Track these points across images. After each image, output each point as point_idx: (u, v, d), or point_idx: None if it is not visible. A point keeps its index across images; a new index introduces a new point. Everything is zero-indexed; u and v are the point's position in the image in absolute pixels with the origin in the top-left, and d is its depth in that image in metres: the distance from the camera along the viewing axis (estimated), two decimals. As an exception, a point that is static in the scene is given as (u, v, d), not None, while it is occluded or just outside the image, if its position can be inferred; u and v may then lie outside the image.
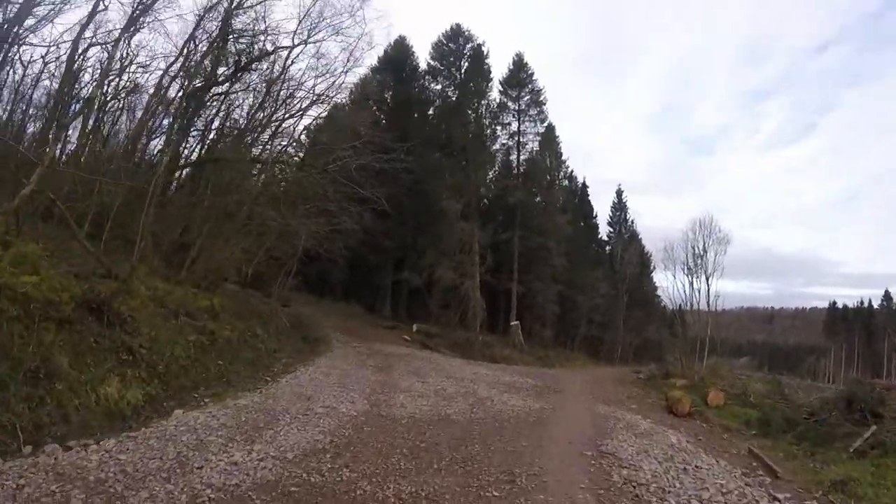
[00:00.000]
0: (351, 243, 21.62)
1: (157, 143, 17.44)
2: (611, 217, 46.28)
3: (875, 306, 71.66)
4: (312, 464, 5.58)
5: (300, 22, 16.43)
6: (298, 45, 16.42)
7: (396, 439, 6.89)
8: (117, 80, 16.14)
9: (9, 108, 15.40)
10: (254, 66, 15.73)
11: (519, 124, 33.84)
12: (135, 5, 14.86)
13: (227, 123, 18.73)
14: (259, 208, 15.71)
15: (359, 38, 17.19)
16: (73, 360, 6.73)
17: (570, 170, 40.03)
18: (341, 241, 19.78)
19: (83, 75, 15.58)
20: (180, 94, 16.12)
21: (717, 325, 29.41)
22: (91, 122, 15.82)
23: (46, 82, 15.47)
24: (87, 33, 14.66)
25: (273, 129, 17.53)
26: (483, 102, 32.45)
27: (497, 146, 33.83)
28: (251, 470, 5.19)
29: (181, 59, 15.86)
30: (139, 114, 16.77)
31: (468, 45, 33.33)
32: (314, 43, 16.65)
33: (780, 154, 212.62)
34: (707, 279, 25.74)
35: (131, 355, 7.69)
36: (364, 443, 6.59)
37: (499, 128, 33.63)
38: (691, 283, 25.91)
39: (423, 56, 34.42)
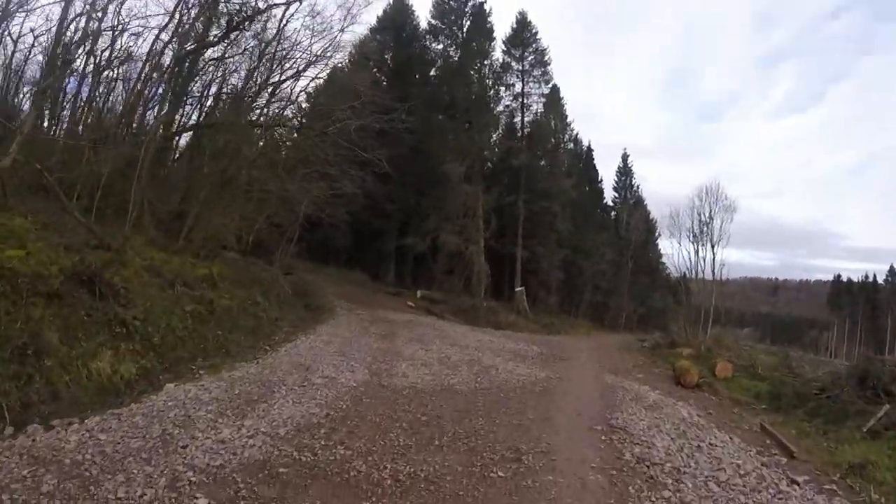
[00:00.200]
0: (353, 208, 21.39)
1: (153, 113, 17.00)
2: (616, 182, 45.67)
3: (880, 281, 70.88)
4: (305, 441, 5.32)
5: (295, -24, 15.61)
6: (293, 1, 15.67)
7: (396, 412, 6.66)
8: (109, 49, 15.67)
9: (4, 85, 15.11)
10: (246, 24, 14.98)
11: (523, 85, 32.98)
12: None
13: (225, 90, 18.17)
14: (257, 172, 15.32)
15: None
16: (63, 335, 6.52)
17: (575, 133, 39.15)
18: (343, 206, 19.51)
19: (73, 47, 15.09)
20: (172, 59, 15.55)
21: (721, 295, 29.26)
22: (85, 92, 15.46)
23: (39, 57, 15.02)
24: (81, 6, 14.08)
25: (270, 91, 16.96)
26: (486, 63, 31.56)
27: (501, 108, 33.02)
28: (238, 448, 4.91)
29: (173, 22, 15.22)
30: (136, 85, 16.28)
31: (470, 3, 32.14)
32: (309, -1, 15.88)
33: (787, 122, 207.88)
34: (713, 247, 25.46)
35: (125, 328, 7.47)
36: (362, 416, 6.35)
37: (502, 89, 32.73)
38: (696, 251, 25.68)
39: (423, 15, 33.40)
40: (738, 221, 30.80)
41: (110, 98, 17.29)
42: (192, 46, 15.07)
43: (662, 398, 9.33)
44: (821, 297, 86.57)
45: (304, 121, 18.73)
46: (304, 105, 19.37)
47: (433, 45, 33.03)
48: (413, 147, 25.97)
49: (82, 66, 15.18)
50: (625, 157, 45.98)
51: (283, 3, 15.62)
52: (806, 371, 12.67)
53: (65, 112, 15.76)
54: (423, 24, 33.10)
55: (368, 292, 23.88)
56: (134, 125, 16.20)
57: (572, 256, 34.02)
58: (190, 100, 17.59)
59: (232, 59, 16.91)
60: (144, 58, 15.48)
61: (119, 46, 15.54)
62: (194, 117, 18.22)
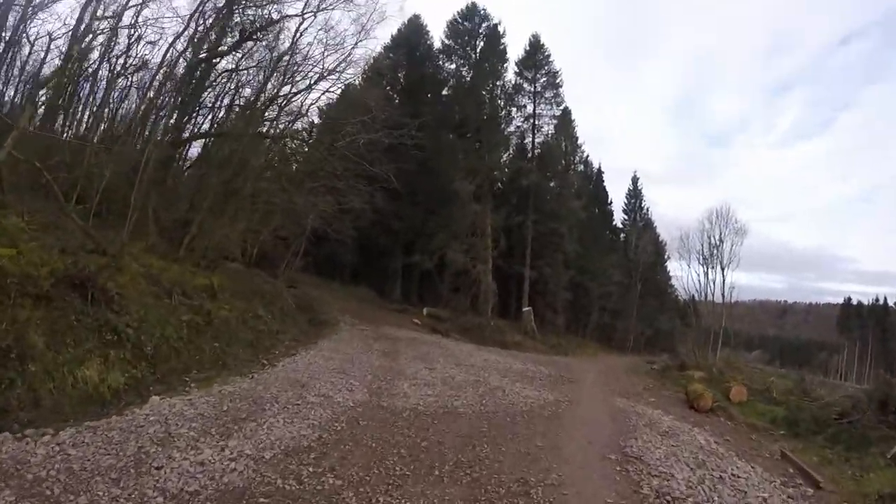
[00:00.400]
0: (361, 224, 21.20)
1: (164, 121, 17.02)
2: (626, 204, 45.40)
3: (890, 304, 69.89)
4: (292, 466, 4.91)
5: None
6: (308, 14, 15.69)
7: (395, 436, 6.24)
8: (124, 57, 15.81)
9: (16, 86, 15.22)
10: (259, 34, 14.99)
11: (534, 107, 32.86)
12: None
13: (237, 101, 18.21)
14: (264, 184, 15.15)
15: (371, 12, 16.44)
16: (49, 339, 6.24)
17: (585, 155, 39.07)
18: (351, 222, 19.32)
19: (87, 49, 15.17)
20: (185, 68, 15.59)
21: (730, 317, 28.75)
22: (99, 97, 15.51)
23: (57, 61, 15.13)
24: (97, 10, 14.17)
25: (280, 103, 16.91)
26: (498, 83, 31.52)
27: (512, 128, 32.95)
28: (217, 473, 4.50)
29: (188, 31, 15.30)
30: (148, 92, 16.38)
31: (484, 25, 32.33)
32: (324, 11, 15.90)
33: (796, 150, 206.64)
34: (722, 270, 25.06)
35: (116, 335, 7.18)
36: (357, 440, 5.92)
37: (514, 109, 32.69)
38: (706, 274, 25.28)
39: (437, 35, 33.55)
40: (747, 245, 30.41)
41: (123, 105, 17.47)
42: (206, 55, 15.09)
43: (677, 424, 8.92)
44: (829, 319, 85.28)
45: (313, 133, 18.65)
46: (314, 119, 19.37)
47: (446, 64, 33.16)
48: (422, 164, 25.83)
49: (97, 69, 15.30)
50: (634, 180, 45.88)
51: (296, 16, 15.68)
52: (822, 395, 12.31)
53: (77, 115, 15.78)
54: (437, 44, 33.32)
55: (374, 308, 23.52)
56: (147, 132, 16.21)
57: (580, 277, 33.63)
58: (202, 110, 17.71)
59: (245, 72, 17.01)
60: (158, 66, 15.58)
61: (135, 54, 15.68)
62: (206, 127, 18.27)
